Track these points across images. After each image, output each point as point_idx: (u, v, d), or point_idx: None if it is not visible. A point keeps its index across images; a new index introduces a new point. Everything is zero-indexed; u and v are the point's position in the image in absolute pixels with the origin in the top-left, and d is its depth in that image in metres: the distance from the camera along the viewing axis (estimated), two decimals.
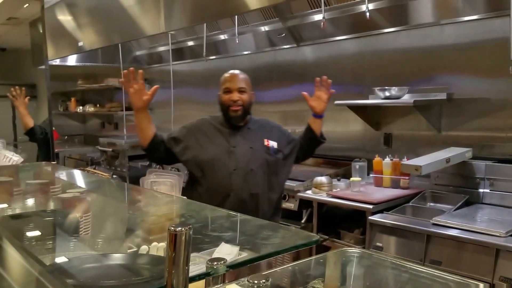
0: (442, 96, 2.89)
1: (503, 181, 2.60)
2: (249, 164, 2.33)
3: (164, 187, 3.13)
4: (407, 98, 2.98)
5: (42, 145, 4.80)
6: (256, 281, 1.09)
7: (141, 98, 2.25)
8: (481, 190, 2.69)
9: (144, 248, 1.53)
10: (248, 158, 2.34)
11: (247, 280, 1.08)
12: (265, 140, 2.42)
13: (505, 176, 2.59)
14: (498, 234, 2.12)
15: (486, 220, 2.36)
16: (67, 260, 1.38)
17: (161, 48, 5.39)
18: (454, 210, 2.57)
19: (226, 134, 2.40)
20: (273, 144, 2.42)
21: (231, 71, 2.45)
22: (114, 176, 4.70)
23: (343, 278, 1.39)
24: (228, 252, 1.42)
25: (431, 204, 2.80)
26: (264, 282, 1.09)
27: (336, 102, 3.20)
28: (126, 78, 2.24)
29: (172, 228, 0.97)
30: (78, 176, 3.06)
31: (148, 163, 4.64)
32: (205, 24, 4.20)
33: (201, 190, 2.33)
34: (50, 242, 1.62)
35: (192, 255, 1.41)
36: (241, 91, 2.37)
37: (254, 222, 1.75)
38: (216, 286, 1.18)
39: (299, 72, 3.91)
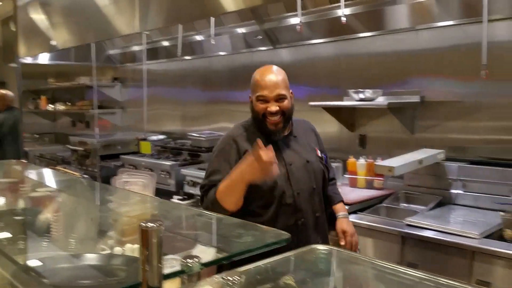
0: (416, 98, 2.94)
1: (475, 183, 2.65)
2: (310, 182, 1.98)
3: (136, 187, 3.07)
4: (381, 100, 3.01)
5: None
6: (230, 278, 1.09)
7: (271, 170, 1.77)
8: (454, 191, 2.73)
9: (118, 250, 1.50)
10: (308, 175, 1.98)
11: (221, 277, 1.08)
12: (315, 148, 2.09)
13: (478, 178, 2.64)
14: (472, 236, 2.14)
15: (460, 222, 2.40)
16: (40, 260, 1.35)
17: (135, 48, 5.33)
18: (427, 211, 2.61)
19: (276, 148, 1.92)
20: (319, 152, 2.11)
21: (265, 73, 1.95)
22: (85, 175, 4.59)
23: (313, 274, 1.40)
24: (204, 254, 1.40)
25: (404, 204, 2.83)
26: (238, 279, 1.08)
27: (311, 103, 3.22)
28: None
29: (143, 224, 0.97)
30: (49, 175, 2.98)
31: (121, 163, 4.55)
32: (181, 25, 4.17)
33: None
34: (21, 242, 1.58)
35: (169, 256, 1.39)
36: (280, 98, 1.93)
37: (226, 221, 1.74)
38: (195, 286, 1.16)
39: None
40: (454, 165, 2.74)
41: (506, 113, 2.61)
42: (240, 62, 4.22)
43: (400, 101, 2.98)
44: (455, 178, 2.72)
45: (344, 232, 2.08)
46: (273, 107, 1.91)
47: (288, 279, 1.27)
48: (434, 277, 1.20)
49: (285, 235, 1.48)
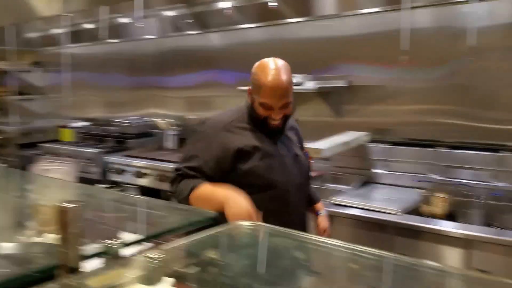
0: (343, 83, 3.02)
1: (397, 163, 2.79)
2: (299, 177, 1.89)
3: (57, 176, 2.92)
4: (310, 85, 3.06)
5: None
6: (153, 255, 1.07)
7: None
8: (377, 171, 2.86)
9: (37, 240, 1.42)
10: (297, 169, 1.89)
11: (143, 255, 1.06)
12: (299, 145, 2.02)
13: (399, 158, 2.78)
14: (394, 212, 2.24)
15: (382, 199, 2.50)
16: None
17: (57, 30, 5.02)
18: (353, 190, 2.70)
19: (269, 139, 1.85)
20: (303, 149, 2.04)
21: (274, 77, 1.73)
22: (1, 165, 4.29)
23: (238, 248, 1.41)
24: (128, 235, 1.35)
25: (332, 185, 2.90)
26: (161, 256, 1.07)
27: (241, 87, 3.21)
28: None
29: (61, 204, 0.94)
30: None
31: (41, 151, 4.30)
32: (105, 7, 3.99)
33: None
34: None
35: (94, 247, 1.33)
36: (285, 105, 1.78)
37: (152, 202, 1.70)
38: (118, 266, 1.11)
39: (205, 58, 3.86)
40: (377, 146, 2.86)
41: (424, 96, 2.74)
42: (169, 46, 4.11)
43: (328, 85, 3.05)
44: (379, 159, 2.85)
45: (324, 231, 2.05)
46: (278, 116, 1.77)
47: (212, 254, 1.27)
48: (352, 246, 1.25)
49: (210, 213, 1.45)
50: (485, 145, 2.52)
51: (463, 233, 2.01)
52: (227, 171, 1.78)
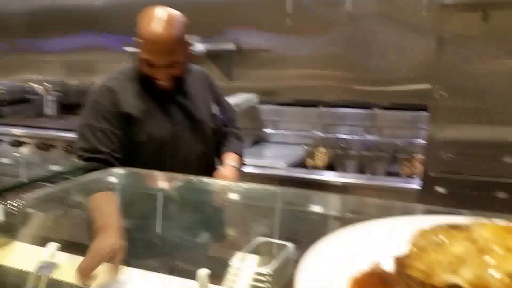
0: (231, 47, 3.09)
1: (284, 122, 3.01)
2: (199, 144, 1.70)
3: None
4: (199, 48, 3.08)
5: None
6: (12, 203, 1.08)
7: None
8: (267, 131, 3.05)
9: None
10: (197, 136, 1.69)
11: (3, 203, 1.06)
12: (209, 104, 1.78)
13: (286, 118, 3.00)
14: (280, 167, 2.44)
15: (271, 156, 2.70)
16: None
17: None
18: (245, 149, 2.83)
19: (159, 103, 1.63)
20: (216, 108, 1.80)
21: (157, 28, 1.48)
22: None
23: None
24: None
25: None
26: (21, 203, 1.08)
27: (126, 47, 3.12)
28: None
29: None
30: None
31: None
32: None
33: None
34: None
35: None
36: (171, 64, 1.55)
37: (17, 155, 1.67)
38: None
39: (87, 19, 3.64)
40: (266, 107, 3.03)
41: (307, 61, 2.92)
42: (43, 5, 3.79)
43: (216, 48, 3.09)
44: (268, 119, 3.04)
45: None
46: (162, 75, 1.56)
47: (79, 198, 1.30)
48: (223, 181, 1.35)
49: (80, 164, 1.43)
50: (359, 103, 2.81)
51: (341, 181, 2.27)
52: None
